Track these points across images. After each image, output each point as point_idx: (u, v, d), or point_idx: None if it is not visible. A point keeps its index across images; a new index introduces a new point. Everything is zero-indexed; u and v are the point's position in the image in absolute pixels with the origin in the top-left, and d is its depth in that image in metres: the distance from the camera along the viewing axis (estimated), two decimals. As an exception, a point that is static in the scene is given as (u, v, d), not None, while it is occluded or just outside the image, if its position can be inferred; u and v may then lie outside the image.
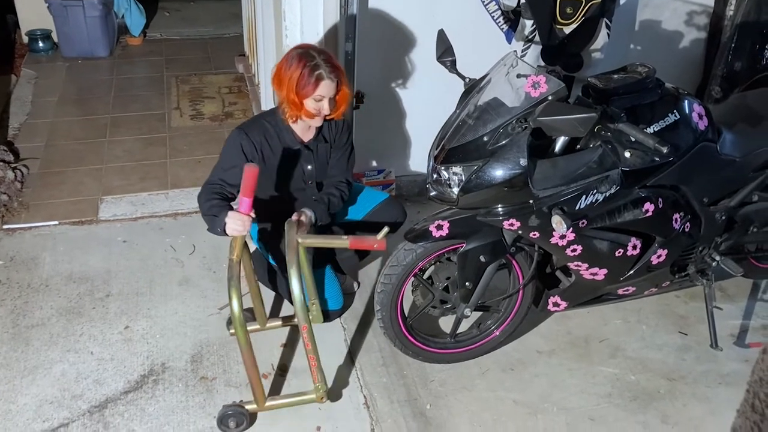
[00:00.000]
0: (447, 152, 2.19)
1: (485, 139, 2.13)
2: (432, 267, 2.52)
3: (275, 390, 2.50)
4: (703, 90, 3.90)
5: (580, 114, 1.96)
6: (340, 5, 2.94)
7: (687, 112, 2.33)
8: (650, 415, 2.48)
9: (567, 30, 2.95)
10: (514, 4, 3.09)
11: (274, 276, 2.78)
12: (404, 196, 3.59)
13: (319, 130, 2.55)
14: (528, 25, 3.07)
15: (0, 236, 3.25)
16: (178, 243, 3.25)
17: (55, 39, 5.33)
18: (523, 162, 2.09)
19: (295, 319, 2.72)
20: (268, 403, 2.37)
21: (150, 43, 5.69)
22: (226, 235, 2.26)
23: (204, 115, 4.52)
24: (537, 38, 3.06)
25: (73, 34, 5.18)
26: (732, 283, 3.09)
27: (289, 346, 2.70)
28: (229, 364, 2.60)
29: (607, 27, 3.05)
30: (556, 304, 2.56)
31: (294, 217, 2.40)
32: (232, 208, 2.25)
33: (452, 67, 2.45)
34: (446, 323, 2.74)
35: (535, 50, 3.14)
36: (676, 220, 2.39)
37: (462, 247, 2.34)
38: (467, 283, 2.39)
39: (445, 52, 2.45)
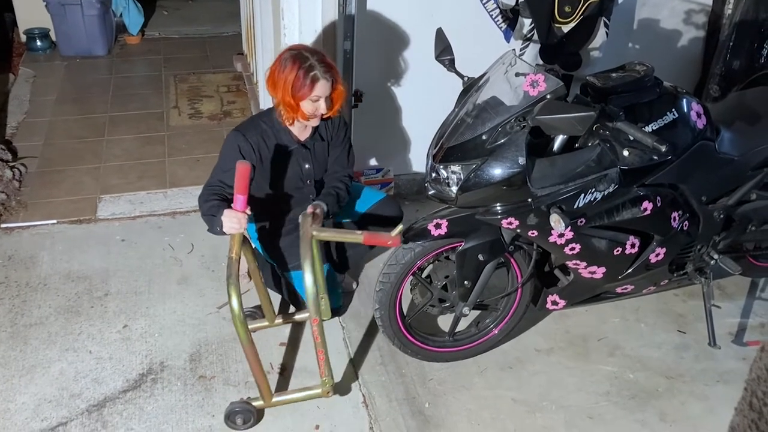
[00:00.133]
0: (445, 151, 2.20)
1: (484, 137, 2.13)
2: (431, 266, 2.52)
3: (276, 389, 2.49)
4: (702, 88, 3.90)
5: (578, 113, 1.96)
6: (339, 4, 2.93)
7: (685, 110, 2.33)
8: (649, 414, 2.48)
9: (565, 29, 2.95)
10: (513, 3, 3.09)
11: (278, 278, 2.77)
12: (403, 195, 3.59)
13: (316, 128, 2.55)
14: (526, 23, 3.07)
15: (-2, 235, 3.25)
16: (177, 242, 3.25)
17: (53, 38, 5.32)
18: (522, 161, 2.09)
19: (298, 315, 2.72)
20: (274, 399, 2.38)
21: (148, 42, 5.68)
22: (225, 234, 2.26)
23: (202, 113, 4.52)
24: (535, 37, 3.06)
25: (72, 32, 5.17)
26: (730, 281, 3.09)
27: (289, 345, 2.70)
28: (227, 363, 2.60)
29: (606, 26, 3.05)
30: (554, 303, 2.56)
31: (309, 209, 2.40)
32: (230, 208, 2.26)
33: (451, 65, 2.45)
34: (445, 322, 2.74)
35: (533, 49, 3.14)
36: (674, 218, 2.39)
37: (461, 245, 2.34)
38: (466, 282, 2.40)
39: (443, 51, 2.45)
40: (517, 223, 2.20)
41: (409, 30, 3.19)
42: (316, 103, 2.38)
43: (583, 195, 2.17)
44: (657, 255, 2.43)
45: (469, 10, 3.19)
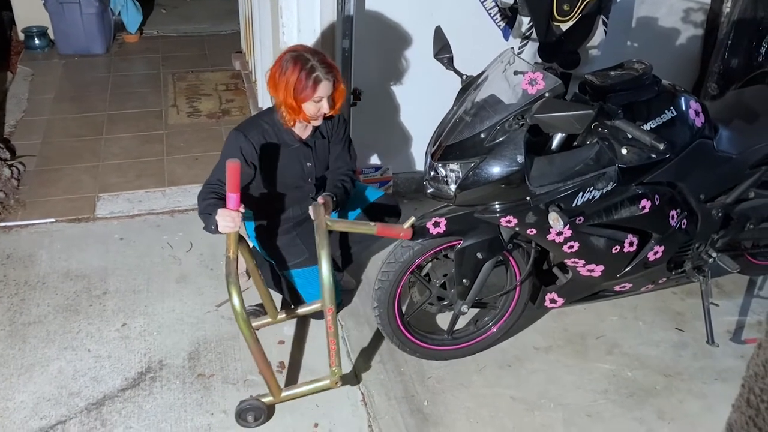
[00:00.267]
0: (444, 149, 2.20)
1: (482, 136, 2.13)
2: (429, 264, 2.52)
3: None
4: (700, 87, 3.90)
5: (577, 111, 1.96)
6: (337, 2, 2.93)
7: (684, 109, 2.33)
8: (647, 411, 2.49)
9: (564, 27, 2.95)
10: (511, 1, 3.09)
11: (278, 278, 2.77)
12: (401, 193, 3.59)
13: (317, 126, 2.55)
14: (525, 22, 3.07)
15: (-3, 234, 3.25)
16: (175, 240, 3.25)
17: (52, 36, 5.31)
18: (520, 159, 2.09)
19: (301, 310, 2.72)
20: (284, 394, 2.38)
21: (146, 41, 5.68)
22: (221, 233, 2.26)
23: (201, 112, 4.52)
24: (534, 35, 3.06)
25: (70, 31, 5.16)
26: (728, 279, 3.10)
27: (287, 343, 2.70)
28: (226, 362, 2.60)
29: (604, 24, 3.05)
30: (552, 301, 2.57)
31: (320, 200, 2.41)
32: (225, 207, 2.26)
33: (449, 64, 2.45)
34: (443, 320, 2.75)
35: (532, 47, 3.14)
36: (672, 216, 2.39)
37: (459, 244, 2.34)
38: (464, 280, 2.40)
39: (442, 49, 2.45)
40: (515, 221, 2.20)
41: (408, 28, 3.19)
42: (318, 103, 2.38)
43: (581, 193, 2.17)
44: (655, 253, 2.44)
45: (467, 8, 3.19)
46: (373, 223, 2.29)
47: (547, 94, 2.08)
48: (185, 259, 3.13)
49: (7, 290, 2.90)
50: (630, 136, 2.08)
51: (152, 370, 2.55)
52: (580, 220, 2.22)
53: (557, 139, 2.18)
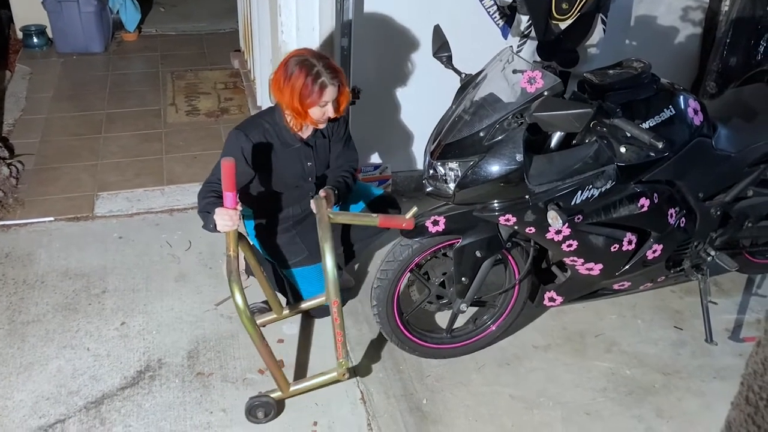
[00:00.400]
0: (443, 148, 2.20)
1: (481, 134, 2.13)
2: (428, 262, 2.52)
3: (273, 386, 2.49)
4: (699, 85, 3.91)
5: (576, 109, 1.97)
6: (336, 1, 2.93)
7: (682, 107, 2.33)
8: (645, 410, 2.49)
9: (563, 25, 2.95)
10: (510, 0, 3.09)
11: (281, 280, 2.77)
12: (400, 192, 3.59)
13: None
14: (524, 20, 3.08)
15: (-5, 232, 3.25)
16: (174, 239, 3.25)
17: (50, 34, 5.30)
18: (519, 157, 2.09)
19: (305, 304, 2.71)
20: (292, 389, 2.39)
21: (145, 39, 5.67)
22: (219, 232, 2.26)
23: (200, 110, 4.51)
24: (533, 34, 3.06)
25: (68, 29, 5.16)
26: (727, 277, 3.10)
27: (286, 342, 2.70)
28: (225, 360, 2.60)
29: (603, 22, 3.05)
30: (551, 299, 2.57)
31: (321, 193, 2.41)
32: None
33: (448, 62, 2.45)
34: (442, 318, 2.75)
35: (530, 46, 3.14)
36: (671, 215, 2.39)
37: (458, 242, 2.34)
38: (463, 279, 2.40)
39: (441, 48, 2.45)
40: (514, 219, 2.20)
41: (407, 27, 3.19)
42: (324, 108, 2.39)
43: (580, 192, 2.17)
44: (654, 252, 2.44)
45: (466, 6, 3.19)
46: (375, 215, 2.30)
47: (545, 93, 2.08)
48: (184, 258, 3.13)
49: (6, 289, 2.90)
50: (629, 135, 2.08)
51: (151, 369, 2.55)
52: (578, 218, 2.22)
53: (556, 138, 2.18)
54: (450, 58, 2.45)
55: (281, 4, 3.07)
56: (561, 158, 2.17)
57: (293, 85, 2.33)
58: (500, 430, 2.39)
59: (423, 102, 3.29)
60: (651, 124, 2.24)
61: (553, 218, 2.12)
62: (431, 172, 2.25)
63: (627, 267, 2.45)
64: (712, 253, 2.62)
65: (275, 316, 2.70)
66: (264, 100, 4.07)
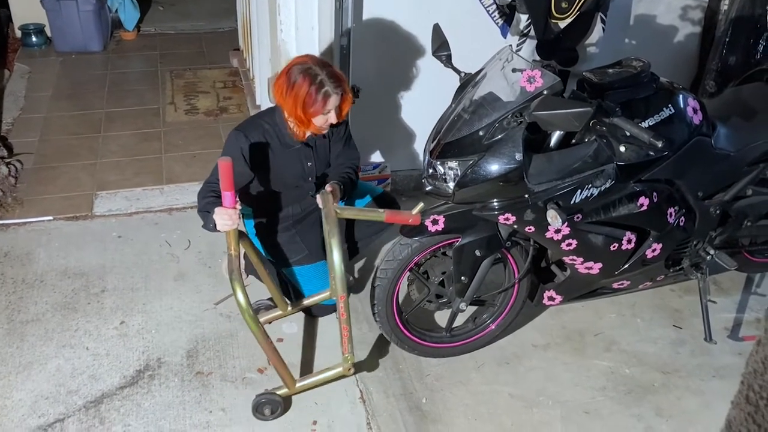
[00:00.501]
0: (443, 147, 2.20)
1: (481, 133, 2.13)
2: (428, 261, 2.52)
3: (272, 385, 2.50)
4: (698, 84, 3.91)
5: (575, 108, 1.97)
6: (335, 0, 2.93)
7: (682, 106, 2.33)
8: (645, 408, 2.49)
9: (562, 24, 2.95)
10: (509, -1, 3.09)
11: (285, 283, 2.77)
12: (400, 191, 3.59)
13: None
14: (523, 19, 3.07)
15: (-6, 232, 3.24)
16: (173, 238, 3.25)
17: (49, 33, 5.30)
18: (519, 156, 2.09)
19: (309, 300, 2.72)
20: (298, 385, 2.39)
21: (144, 38, 5.66)
22: (219, 231, 2.26)
23: (199, 109, 4.51)
24: (532, 33, 3.06)
25: (67, 28, 5.15)
26: (726, 276, 3.10)
27: (286, 341, 2.70)
28: (224, 359, 2.60)
29: (602, 21, 3.05)
30: (551, 298, 2.57)
31: (328, 188, 2.41)
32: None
33: (447, 61, 2.45)
34: (442, 317, 2.75)
35: (530, 45, 3.14)
36: (670, 214, 2.39)
37: (457, 241, 2.34)
38: (463, 278, 2.40)
39: (440, 47, 2.45)
40: (514, 218, 2.20)
41: (406, 26, 3.19)
42: (327, 115, 2.39)
43: (579, 191, 2.17)
44: (653, 251, 2.44)
45: (465, 5, 3.19)
46: (382, 210, 2.31)
47: (545, 92, 2.08)
48: (183, 257, 3.13)
49: (4, 288, 2.89)
50: (628, 134, 2.08)
51: (151, 368, 2.55)
52: (578, 217, 2.22)
53: (555, 137, 2.18)
54: (449, 57, 2.45)
55: (280, 3, 3.07)
56: (560, 157, 2.17)
57: (296, 94, 2.34)
58: (499, 428, 2.39)
59: (422, 101, 3.29)
60: (650, 123, 2.24)
61: (553, 217, 2.12)
62: (431, 171, 2.25)
63: (626, 266, 2.45)
64: (712, 252, 2.62)
65: (281, 312, 2.70)
66: (263, 99, 4.07)
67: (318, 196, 2.38)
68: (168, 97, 4.66)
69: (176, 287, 2.95)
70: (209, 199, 2.34)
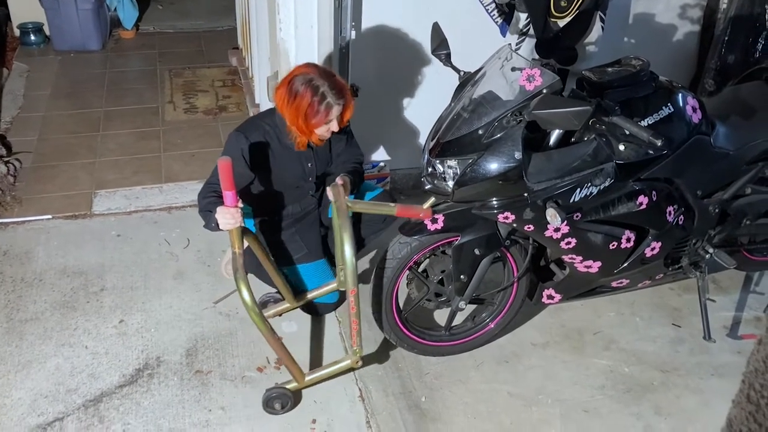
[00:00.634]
0: (442, 146, 2.20)
1: (480, 132, 2.13)
2: (427, 260, 2.52)
3: (272, 383, 2.49)
4: (697, 83, 3.91)
5: (574, 107, 1.96)
6: (335, -2, 2.93)
7: (681, 105, 2.33)
8: (644, 407, 2.49)
9: (561, 23, 2.95)
10: (509, -3, 3.09)
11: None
12: (399, 190, 3.59)
13: None
14: (522, 18, 3.07)
15: (-7, 230, 3.24)
16: (173, 237, 3.25)
17: (47, 32, 5.29)
18: (518, 155, 2.09)
19: (314, 292, 2.72)
20: (308, 378, 2.40)
21: (143, 37, 5.66)
22: (222, 230, 2.26)
23: (198, 108, 4.51)
24: (531, 31, 3.06)
25: (66, 27, 5.14)
26: (725, 275, 3.10)
27: (286, 340, 2.68)
28: (224, 358, 2.60)
29: (602, 20, 3.05)
30: (550, 297, 2.57)
31: (338, 180, 2.41)
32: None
33: (447, 60, 2.45)
34: (441, 316, 2.75)
35: (529, 43, 3.14)
36: (669, 212, 2.39)
37: (457, 240, 2.34)
38: (462, 276, 2.40)
39: (439, 45, 2.45)
40: (513, 217, 2.20)
41: (406, 24, 3.19)
42: (328, 124, 2.39)
43: (579, 189, 2.17)
44: (652, 249, 2.44)
45: (465, 4, 3.18)
46: (392, 204, 2.32)
47: (544, 91, 2.08)
48: (182, 256, 3.13)
49: (3, 287, 2.89)
50: (627, 133, 2.08)
51: (150, 367, 2.55)
52: (577, 216, 2.22)
53: (555, 136, 2.18)
54: (449, 55, 2.45)
55: (279, 2, 3.07)
56: (560, 156, 2.17)
57: (298, 105, 2.33)
58: (499, 427, 2.39)
59: (422, 99, 3.29)
60: (650, 122, 2.24)
61: (552, 216, 2.12)
62: (430, 169, 2.25)
63: (625, 264, 2.46)
64: (711, 250, 2.62)
65: (288, 305, 2.71)
66: (262, 97, 4.06)
67: (329, 188, 2.38)
68: (167, 95, 4.66)
69: (175, 286, 2.95)
70: (210, 199, 2.34)
